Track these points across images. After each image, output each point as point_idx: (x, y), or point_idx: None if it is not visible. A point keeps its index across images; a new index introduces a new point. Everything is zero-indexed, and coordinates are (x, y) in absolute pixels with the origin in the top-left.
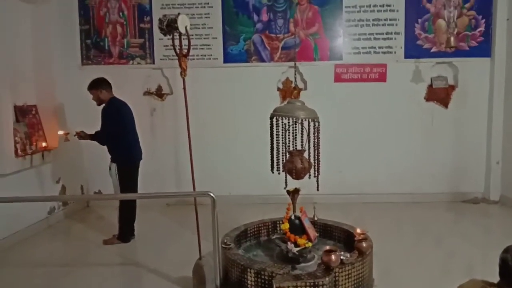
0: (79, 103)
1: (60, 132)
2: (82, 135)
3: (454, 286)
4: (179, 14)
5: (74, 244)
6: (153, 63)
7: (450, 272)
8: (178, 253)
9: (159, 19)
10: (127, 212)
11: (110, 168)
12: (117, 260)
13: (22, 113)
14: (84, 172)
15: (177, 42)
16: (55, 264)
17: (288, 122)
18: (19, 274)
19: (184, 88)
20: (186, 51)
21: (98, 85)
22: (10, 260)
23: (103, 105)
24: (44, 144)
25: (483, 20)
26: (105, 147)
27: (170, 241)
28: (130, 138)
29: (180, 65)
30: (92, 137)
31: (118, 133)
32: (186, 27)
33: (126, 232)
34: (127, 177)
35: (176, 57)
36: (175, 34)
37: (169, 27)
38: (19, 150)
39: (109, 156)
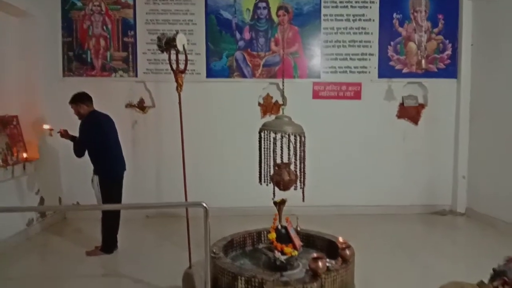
0: (60, 114)
1: (46, 126)
2: (63, 134)
3: None
4: (177, 32)
5: (55, 256)
6: (136, 76)
7: (423, 279)
8: (163, 264)
9: (158, 37)
10: (111, 223)
11: (92, 181)
12: (101, 272)
13: (3, 123)
14: (62, 184)
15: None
16: (38, 276)
17: (275, 136)
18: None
19: (180, 103)
20: (182, 67)
21: (77, 100)
22: None
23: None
24: (25, 155)
25: (450, 45)
26: (88, 158)
27: (153, 252)
28: (112, 150)
29: (177, 80)
30: (72, 139)
31: (97, 145)
32: (183, 45)
33: (109, 244)
34: (110, 189)
35: (163, 72)
36: (172, 51)
37: (168, 44)
38: (0, 161)
39: (90, 168)
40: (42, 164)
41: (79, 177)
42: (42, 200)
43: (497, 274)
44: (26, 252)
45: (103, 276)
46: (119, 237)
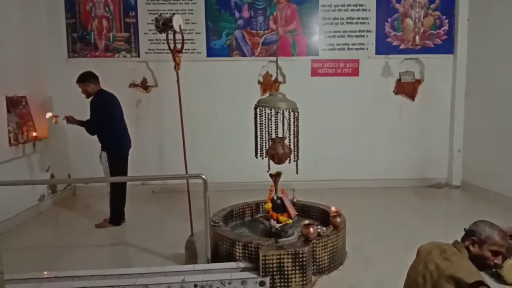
0: (66, 94)
1: (49, 114)
2: (70, 119)
3: None
4: (174, 14)
5: (67, 228)
6: (138, 56)
7: (414, 247)
8: (167, 234)
9: (156, 18)
10: (118, 196)
11: (100, 157)
12: (110, 242)
13: (13, 104)
14: (71, 162)
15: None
16: (51, 246)
17: (271, 112)
18: (17, 257)
19: (178, 81)
20: (179, 47)
21: (85, 79)
22: (6, 244)
23: (92, 97)
24: (34, 134)
25: (447, 20)
26: (95, 137)
27: (159, 224)
28: (118, 127)
29: (174, 59)
30: (80, 123)
31: (106, 123)
32: (180, 26)
33: (117, 216)
34: (117, 165)
35: (164, 52)
36: (169, 31)
37: (165, 25)
38: (12, 140)
39: (97, 146)
40: (51, 142)
41: (87, 154)
42: (52, 177)
43: (467, 234)
44: (38, 225)
45: (112, 245)
46: (126, 211)
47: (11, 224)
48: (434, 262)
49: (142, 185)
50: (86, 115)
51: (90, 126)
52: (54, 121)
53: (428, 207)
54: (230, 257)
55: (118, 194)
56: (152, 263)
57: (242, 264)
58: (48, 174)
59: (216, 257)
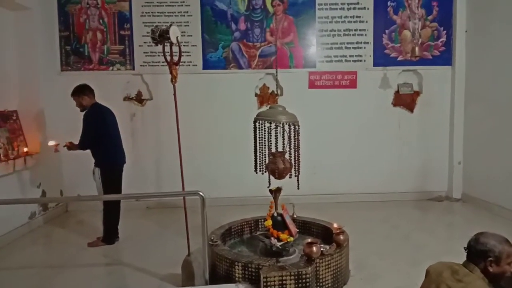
0: (59, 108)
1: (51, 143)
2: (70, 146)
3: (421, 275)
4: (171, 25)
5: (58, 247)
6: (133, 69)
7: (418, 262)
8: (163, 253)
9: (152, 30)
10: (112, 214)
11: (93, 173)
12: (104, 261)
13: (3, 118)
14: (64, 177)
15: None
16: (42, 266)
17: (270, 126)
18: (7, 277)
19: (175, 94)
20: (176, 59)
21: (80, 92)
22: None
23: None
24: (25, 149)
25: (445, 31)
26: (89, 151)
27: (153, 242)
28: (112, 142)
29: (171, 72)
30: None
31: (99, 137)
32: (177, 38)
33: (110, 234)
34: (110, 181)
35: (159, 64)
36: (166, 43)
37: (161, 37)
38: (1, 155)
39: (90, 161)
40: (43, 158)
41: (80, 170)
42: (44, 193)
43: (479, 256)
44: (29, 243)
45: (105, 265)
46: (120, 228)
47: (0, 243)
48: (446, 284)
49: (136, 201)
50: (79, 129)
51: (81, 141)
52: (55, 149)
53: (429, 220)
54: (229, 278)
55: (111, 212)
56: (147, 285)
57: (242, 286)
58: (40, 191)
59: (214, 278)
